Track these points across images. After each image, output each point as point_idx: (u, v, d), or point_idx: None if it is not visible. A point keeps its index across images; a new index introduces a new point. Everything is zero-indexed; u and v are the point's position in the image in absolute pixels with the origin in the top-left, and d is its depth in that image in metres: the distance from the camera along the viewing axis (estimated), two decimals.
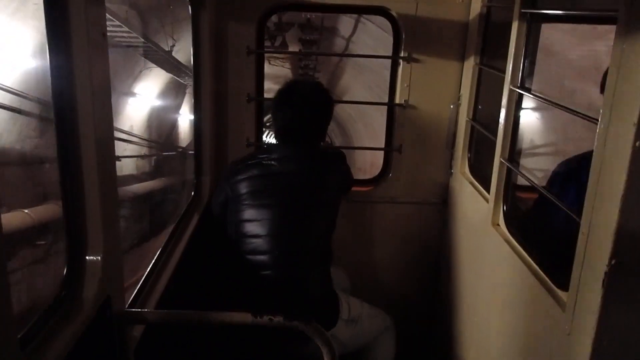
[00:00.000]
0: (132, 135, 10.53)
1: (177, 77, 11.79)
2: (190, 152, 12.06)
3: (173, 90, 12.55)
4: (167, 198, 10.75)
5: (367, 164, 9.78)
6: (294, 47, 10.44)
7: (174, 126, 13.42)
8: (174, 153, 13.06)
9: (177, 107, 13.41)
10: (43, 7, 1.28)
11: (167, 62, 10.43)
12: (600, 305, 1.28)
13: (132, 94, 10.76)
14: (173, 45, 9.89)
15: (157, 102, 12.07)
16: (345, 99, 12.57)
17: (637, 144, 1.16)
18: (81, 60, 1.33)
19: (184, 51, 10.09)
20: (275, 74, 12.32)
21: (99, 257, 1.48)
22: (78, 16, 1.31)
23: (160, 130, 12.62)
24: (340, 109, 13.68)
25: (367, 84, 10.00)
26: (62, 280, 1.45)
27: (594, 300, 1.30)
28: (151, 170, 11.75)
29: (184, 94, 13.01)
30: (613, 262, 1.24)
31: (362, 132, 12.90)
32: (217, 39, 3.07)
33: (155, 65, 10.50)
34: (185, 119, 13.50)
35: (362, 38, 8.25)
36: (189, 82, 11.66)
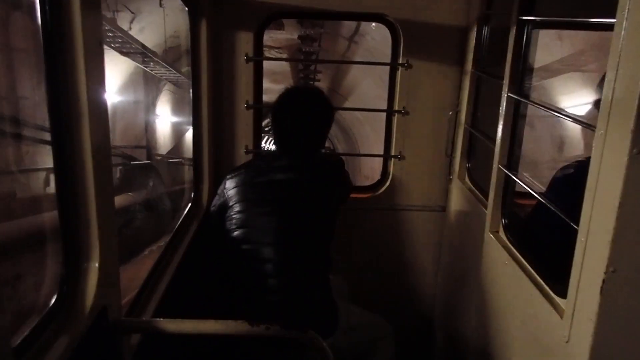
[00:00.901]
0: None
1: (146, 67, 9.08)
2: (171, 160, 10.69)
3: (142, 85, 10.08)
4: (136, 218, 8.54)
5: (375, 171, 9.25)
6: (291, 31, 9.52)
7: (147, 130, 10.97)
8: (149, 162, 10.35)
9: (151, 106, 11.04)
10: (39, 15, 1.28)
11: (125, 44, 7.37)
12: (598, 313, 1.28)
13: None
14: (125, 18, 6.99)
15: (119, 99, 9.35)
16: (353, 91, 11.73)
17: (634, 151, 1.16)
18: (77, 69, 1.33)
19: (150, 31, 7.84)
20: (273, 69, 11.18)
21: (96, 266, 1.48)
22: (74, 25, 1.31)
23: (126, 135, 10.14)
24: (346, 111, 13.15)
25: (377, 74, 9.39)
26: (58, 290, 1.44)
27: (592, 308, 1.29)
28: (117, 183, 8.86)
29: (158, 89, 10.84)
30: (611, 269, 1.24)
31: (370, 136, 11.91)
32: (216, 47, 3.08)
33: (108, 47, 7.39)
34: (164, 121, 11.38)
35: None
36: (164, 74, 9.75)
